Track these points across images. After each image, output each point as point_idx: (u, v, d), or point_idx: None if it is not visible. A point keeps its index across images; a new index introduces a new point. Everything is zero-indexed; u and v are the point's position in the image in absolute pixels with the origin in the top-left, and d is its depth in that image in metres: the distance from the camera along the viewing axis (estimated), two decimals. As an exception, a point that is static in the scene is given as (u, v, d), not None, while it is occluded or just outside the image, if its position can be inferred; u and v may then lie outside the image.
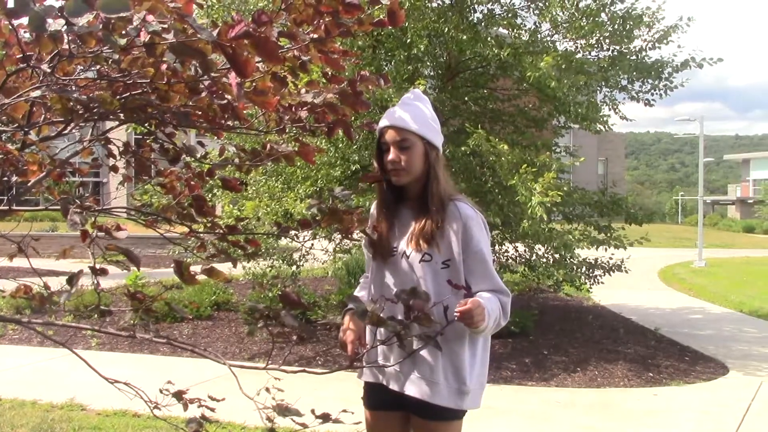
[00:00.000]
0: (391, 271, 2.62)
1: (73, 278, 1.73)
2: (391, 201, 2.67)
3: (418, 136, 2.55)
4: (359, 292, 2.86)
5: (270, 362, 2.12)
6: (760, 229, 52.61)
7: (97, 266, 1.76)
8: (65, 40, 1.38)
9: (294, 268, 8.84)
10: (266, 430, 2.18)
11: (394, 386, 2.57)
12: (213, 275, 1.95)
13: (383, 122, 2.60)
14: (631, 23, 8.05)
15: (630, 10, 8.07)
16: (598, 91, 8.77)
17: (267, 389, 2.28)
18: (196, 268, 2.04)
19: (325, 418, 2.17)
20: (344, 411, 2.19)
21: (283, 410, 2.10)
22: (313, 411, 2.15)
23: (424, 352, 2.45)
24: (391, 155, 2.54)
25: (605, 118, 8.49)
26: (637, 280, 13.65)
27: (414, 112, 2.58)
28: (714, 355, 7.95)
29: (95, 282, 1.80)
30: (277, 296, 1.78)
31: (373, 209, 2.77)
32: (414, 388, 2.52)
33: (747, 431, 5.34)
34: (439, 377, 2.48)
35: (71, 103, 1.50)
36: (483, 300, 2.40)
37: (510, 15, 8.11)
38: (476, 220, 2.55)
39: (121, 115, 1.68)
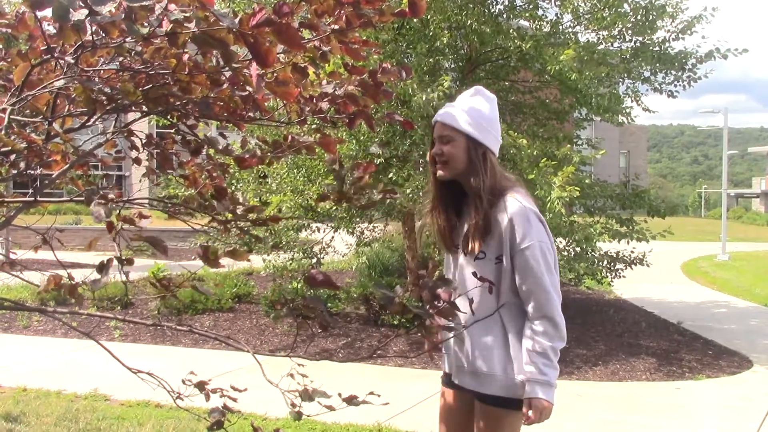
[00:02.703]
0: (457, 266, 2.70)
1: (103, 266, 1.74)
2: (448, 196, 2.72)
3: (460, 132, 2.58)
4: None
5: (292, 352, 2.12)
6: (785, 223, 51.93)
7: (123, 258, 1.77)
8: (88, 31, 1.39)
9: (314, 260, 8.86)
10: (293, 414, 2.18)
11: (455, 378, 2.72)
12: (236, 256, 1.96)
13: (435, 116, 2.69)
14: (654, 14, 7.96)
15: (653, 1, 7.97)
16: (620, 83, 8.68)
17: (291, 375, 2.29)
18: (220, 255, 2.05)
19: (352, 400, 2.16)
20: (371, 393, 2.19)
21: (309, 394, 2.10)
22: (339, 394, 2.15)
23: (476, 344, 2.57)
24: (435, 148, 2.63)
25: (627, 110, 8.42)
26: (659, 273, 13.55)
27: (463, 108, 2.62)
28: (738, 349, 7.87)
29: (122, 271, 1.81)
30: (304, 277, 1.76)
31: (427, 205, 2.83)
32: (467, 379, 2.64)
33: (771, 426, 5.29)
34: (494, 368, 2.55)
35: (94, 94, 1.51)
36: (534, 368, 2.46)
37: (531, 6, 8.05)
38: (522, 216, 2.51)
39: (144, 106, 1.69)
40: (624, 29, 8.11)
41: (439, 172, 2.63)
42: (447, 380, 2.85)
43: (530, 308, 2.50)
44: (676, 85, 8.66)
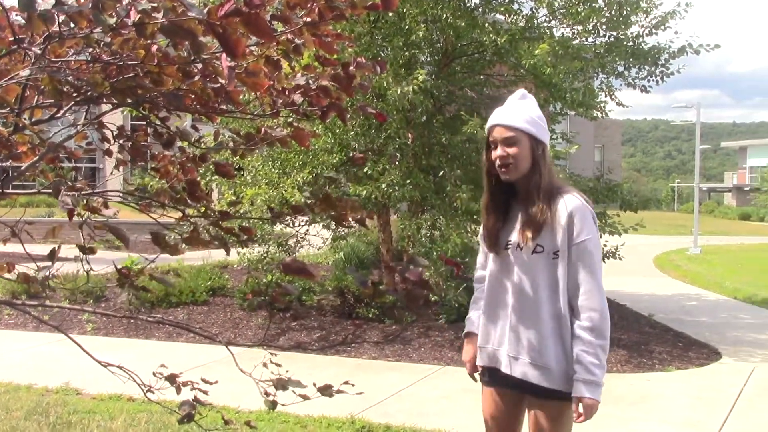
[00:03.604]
0: (508, 263, 2.73)
1: (53, 253, 1.73)
2: (500, 197, 2.77)
3: (524, 133, 2.63)
4: (473, 312, 3.02)
5: (266, 344, 2.12)
6: (756, 217, 52.69)
7: (85, 246, 1.75)
8: (56, 22, 1.37)
9: (289, 255, 8.84)
10: (267, 403, 2.18)
11: (506, 370, 2.72)
12: (193, 243, 1.94)
13: (491, 121, 2.71)
14: (628, 9, 8.03)
15: (627, -4, 8.04)
16: (594, 78, 8.75)
17: (264, 364, 2.29)
18: (189, 255, 2.04)
19: (326, 389, 2.17)
20: (346, 383, 2.20)
21: (283, 383, 2.11)
22: (314, 384, 2.15)
23: (532, 337, 2.63)
24: (499, 151, 2.65)
25: (602, 105, 8.48)
26: (632, 266, 13.69)
27: (519, 110, 2.68)
28: (708, 341, 7.99)
29: (84, 260, 1.79)
30: (280, 265, 1.75)
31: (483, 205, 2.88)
32: (528, 369, 2.65)
33: (739, 416, 5.37)
34: (550, 361, 2.60)
35: (62, 85, 1.49)
36: (582, 368, 2.53)
37: (507, 0, 8.08)
38: (583, 212, 2.61)
39: (113, 98, 1.68)
40: (598, 24, 8.17)
41: (505, 176, 2.66)
42: (490, 377, 2.86)
43: (581, 301, 2.57)
44: (649, 80, 8.75)
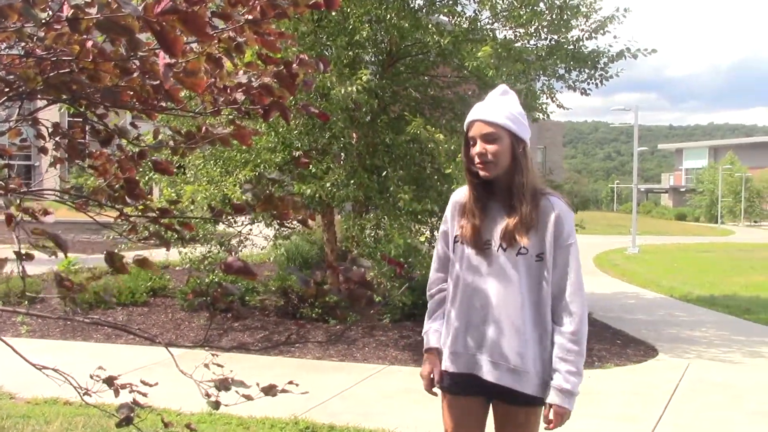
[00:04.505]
0: (487, 264, 2.62)
1: (-4, 261, 1.68)
2: (482, 194, 2.65)
3: (505, 129, 2.55)
4: (433, 323, 2.84)
5: (207, 345, 2.09)
6: (692, 217, 54.35)
7: (23, 252, 1.71)
8: (-15, 15, 1.33)
9: (232, 254, 8.74)
10: (210, 403, 2.15)
11: (487, 375, 2.59)
12: (145, 266, 1.90)
13: (470, 116, 2.62)
14: (569, 13, 8.19)
15: (568, 1, 8.19)
16: (536, 80, 8.89)
17: (206, 365, 2.25)
18: (129, 256, 2.00)
19: (270, 389, 2.15)
20: (290, 382, 2.18)
21: (225, 384, 2.08)
22: (257, 384, 2.13)
23: (515, 341, 2.54)
24: (478, 148, 2.56)
25: (544, 106, 8.62)
26: (572, 266, 13.95)
27: (500, 106, 2.60)
28: (645, 338, 8.20)
29: (21, 268, 1.74)
30: (221, 264, 1.73)
31: (452, 205, 2.76)
32: (505, 375, 2.56)
33: (674, 411, 5.53)
34: (530, 366, 2.54)
35: (-8, 80, 1.45)
36: (560, 376, 2.53)
37: (451, 2, 8.14)
38: (568, 215, 2.58)
39: (47, 93, 1.63)
40: (540, 27, 8.31)
41: (483, 173, 2.57)
42: (461, 385, 2.70)
43: (564, 304, 2.54)
44: (589, 83, 8.94)
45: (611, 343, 7.90)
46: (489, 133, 2.55)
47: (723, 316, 10.15)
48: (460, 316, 2.65)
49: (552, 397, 2.52)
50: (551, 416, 2.52)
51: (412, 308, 7.91)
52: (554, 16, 8.17)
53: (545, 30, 8.37)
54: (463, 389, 2.69)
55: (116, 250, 1.83)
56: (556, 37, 8.48)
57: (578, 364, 2.54)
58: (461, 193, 2.77)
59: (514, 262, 2.56)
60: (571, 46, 8.53)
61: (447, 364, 2.69)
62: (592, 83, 8.91)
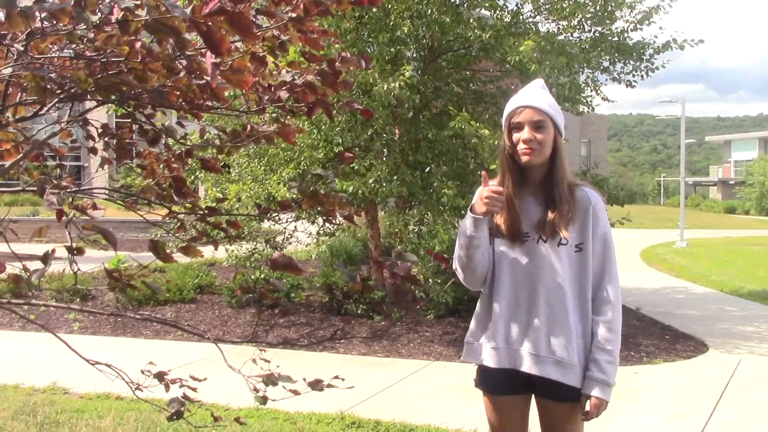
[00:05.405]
0: (526, 257, 2.60)
1: (47, 256, 1.72)
2: (518, 185, 2.63)
3: (551, 119, 2.57)
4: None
5: (254, 341, 2.12)
6: (741, 210, 53.10)
7: (74, 246, 1.74)
8: (37, 18, 1.36)
9: (277, 251, 8.82)
10: (258, 399, 2.17)
11: (528, 369, 2.55)
12: (190, 253, 1.94)
13: (517, 102, 2.61)
14: (613, 4, 8.07)
15: (612, -9, 8.07)
16: (580, 73, 8.78)
17: (254, 361, 2.28)
18: (178, 257, 2.03)
19: (317, 384, 2.16)
20: (336, 377, 2.19)
21: (273, 379, 2.09)
22: (304, 379, 2.14)
23: (560, 334, 2.52)
24: (526, 134, 2.54)
25: (588, 100, 8.51)
26: (619, 260, 13.72)
27: (545, 96, 2.62)
28: (694, 333, 8.05)
29: (72, 261, 1.78)
30: (268, 260, 1.75)
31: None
32: (548, 369, 2.53)
33: (725, 407, 5.42)
34: (575, 359, 2.53)
35: (44, 82, 1.48)
36: (596, 366, 2.52)
37: (492, -4, 8.08)
38: (602, 204, 2.63)
39: (97, 94, 1.67)
40: (583, 19, 8.20)
41: (526, 158, 2.54)
42: (501, 383, 2.67)
43: (602, 293, 2.57)
44: (634, 75, 8.79)
45: (660, 338, 7.77)
46: (539, 120, 2.54)
47: (775, 310, 9.91)
48: (502, 310, 2.61)
49: (589, 387, 2.51)
50: (587, 407, 2.51)
51: (457, 304, 7.88)
52: (598, 8, 8.04)
53: (588, 22, 8.25)
54: (504, 388, 2.67)
55: (167, 248, 1.86)
56: (600, 28, 8.35)
57: (615, 353, 2.55)
58: None
59: (557, 254, 2.55)
60: (616, 38, 8.40)
61: (486, 359, 2.64)
62: (638, 75, 8.75)
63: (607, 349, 2.52)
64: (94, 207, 1.66)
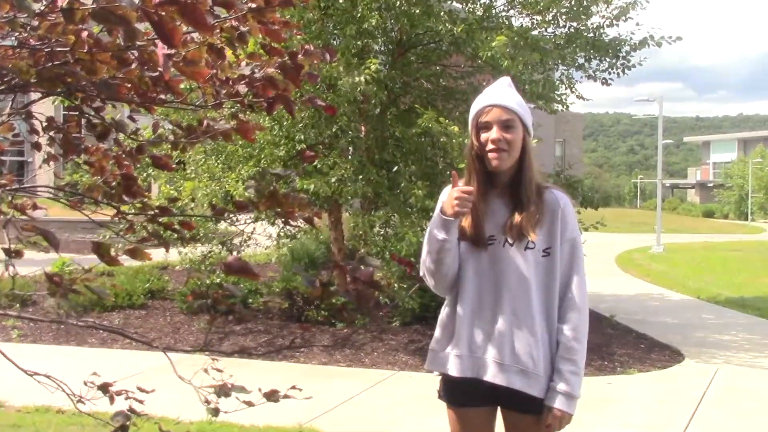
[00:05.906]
0: (491, 261, 2.60)
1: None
2: (485, 187, 2.61)
3: (519, 119, 2.57)
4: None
5: (207, 350, 2.10)
6: (720, 214, 54.08)
7: (11, 248, 1.72)
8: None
9: (233, 254, 8.77)
10: (210, 411, 2.15)
11: (492, 379, 2.54)
12: (137, 256, 1.91)
13: (484, 101, 2.60)
14: (589, -1, 8.16)
15: (587, -15, 8.17)
16: (554, 70, 8.87)
17: (206, 370, 2.26)
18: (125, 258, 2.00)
19: (272, 395, 2.15)
20: (293, 387, 2.18)
21: (225, 390, 2.08)
22: (259, 389, 2.13)
23: (525, 342, 2.52)
24: (495, 134, 2.52)
25: (563, 97, 8.60)
26: (593, 266, 13.89)
27: (513, 95, 2.62)
28: (670, 342, 8.17)
29: (9, 264, 1.75)
30: (222, 265, 1.73)
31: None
32: (511, 379, 2.52)
33: (701, 420, 5.51)
34: (540, 368, 2.53)
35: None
36: (560, 378, 2.52)
37: (464, -12, 8.13)
38: (571, 208, 2.63)
39: (41, 86, 1.64)
40: (558, 14, 8.29)
41: (496, 162, 2.53)
42: (463, 395, 2.67)
43: (568, 299, 2.57)
44: (610, 73, 8.91)
45: (634, 347, 7.88)
46: (508, 119, 2.54)
47: (754, 318, 10.11)
48: (466, 316, 2.60)
49: (552, 399, 2.51)
50: (550, 420, 2.51)
51: (424, 311, 7.90)
52: (573, 3, 8.14)
53: (563, 17, 8.35)
54: (467, 400, 2.67)
55: (113, 250, 1.83)
56: (575, 24, 8.46)
57: (580, 363, 2.55)
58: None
59: (524, 258, 2.55)
60: (591, 34, 8.51)
61: (449, 368, 2.63)
62: (614, 73, 8.87)
63: (572, 359, 2.53)
64: (35, 207, 1.63)
